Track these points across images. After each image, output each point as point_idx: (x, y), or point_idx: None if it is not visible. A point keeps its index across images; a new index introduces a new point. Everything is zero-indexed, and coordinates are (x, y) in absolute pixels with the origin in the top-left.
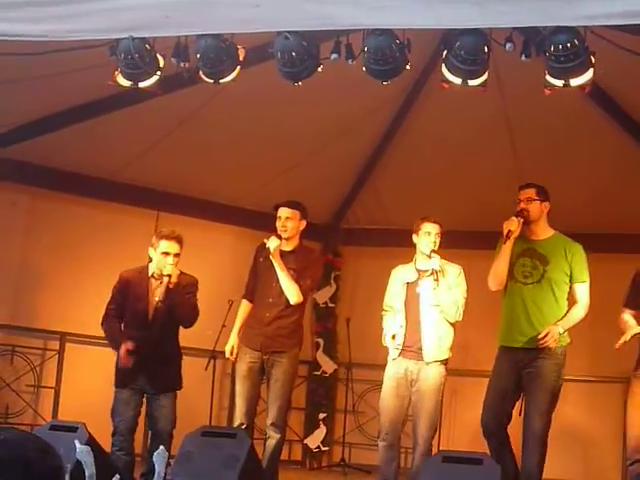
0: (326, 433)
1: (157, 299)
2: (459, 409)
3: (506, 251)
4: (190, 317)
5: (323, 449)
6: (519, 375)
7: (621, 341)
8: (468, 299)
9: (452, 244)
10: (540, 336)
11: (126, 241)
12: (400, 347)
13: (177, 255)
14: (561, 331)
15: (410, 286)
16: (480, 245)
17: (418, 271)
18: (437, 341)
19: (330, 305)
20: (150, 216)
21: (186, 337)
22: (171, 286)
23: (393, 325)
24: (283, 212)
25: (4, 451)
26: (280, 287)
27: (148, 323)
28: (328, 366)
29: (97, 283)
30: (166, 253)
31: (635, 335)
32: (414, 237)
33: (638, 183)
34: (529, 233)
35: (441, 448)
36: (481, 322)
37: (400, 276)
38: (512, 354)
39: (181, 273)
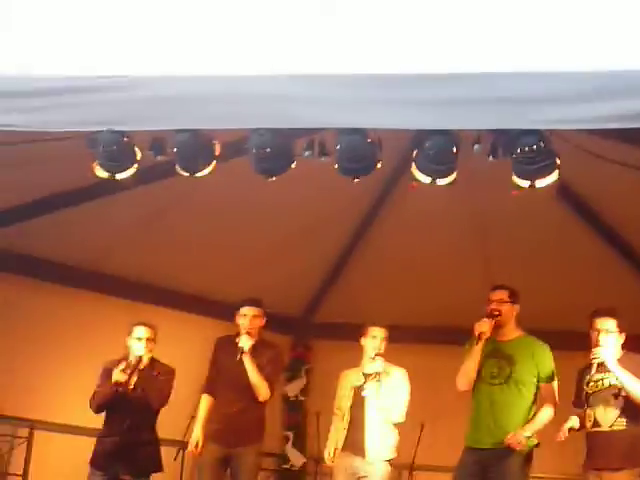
0: None
1: (133, 377)
2: None
3: (476, 352)
4: (160, 401)
5: None
6: (484, 477)
7: (560, 436)
8: (437, 394)
9: (422, 339)
10: (506, 440)
11: (101, 331)
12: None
13: (149, 340)
14: (527, 435)
15: (356, 390)
16: (449, 341)
17: (364, 375)
18: (381, 442)
19: (300, 398)
20: (124, 307)
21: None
22: (141, 367)
23: (336, 435)
24: (250, 311)
25: None
26: (243, 383)
27: (124, 407)
28: (297, 459)
29: (67, 371)
30: (139, 338)
31: (571, 428)
32: (362, 340)
33: (602, 280)
34: (497, 334)
35: None
36: (450, 419)
37: (348, 380)
38: (477, 455)
39: (158, 362)
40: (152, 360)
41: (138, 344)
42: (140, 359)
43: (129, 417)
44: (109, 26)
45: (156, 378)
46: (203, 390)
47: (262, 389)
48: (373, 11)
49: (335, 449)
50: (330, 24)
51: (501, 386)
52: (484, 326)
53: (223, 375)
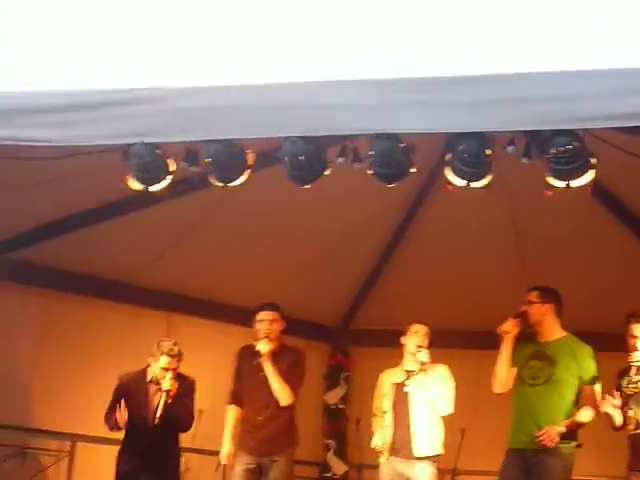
0: None
1: (157, 414)
2: None
3: (503, 353)
4: (186, 426)
5: None
6: (527, 478)
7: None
8: (480, 401)
9: (460, 344)
10: (538, 434)
11: (138, 343)
12: (387, 447)
13: (175, 369)
14: (561, 431)
15: (398, 386)
16: (488, 345)
17: (406, 372)
18: (428, 437)
19: (340, 406)
20: (162, 318)
21: (199, 437)
22: (169, 401)
23: (382, 431)
24: (267, 315)
25: None
26: (268, 389)
27: (149, 428)
28: (339, 468)
29: (108, 385)
30: (165, 369)
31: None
32: (402, 339)
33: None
34: (538, 336)
35: None
36: (494, 424)
37: (388, 378)
38: (519, 455)
39: (179, 376)
40: (176, 382)
41: (165, 375)
42: (168, 394)
43: (153, 440)
44: (137, 38)
45: (180, 402)
46: (228, 401)
47: (284, 394)
48: (402, 14)
49: (383, 444)
50: (360, 29)
51: (541, 387)
52: (507, 325)
53: (247, 384)
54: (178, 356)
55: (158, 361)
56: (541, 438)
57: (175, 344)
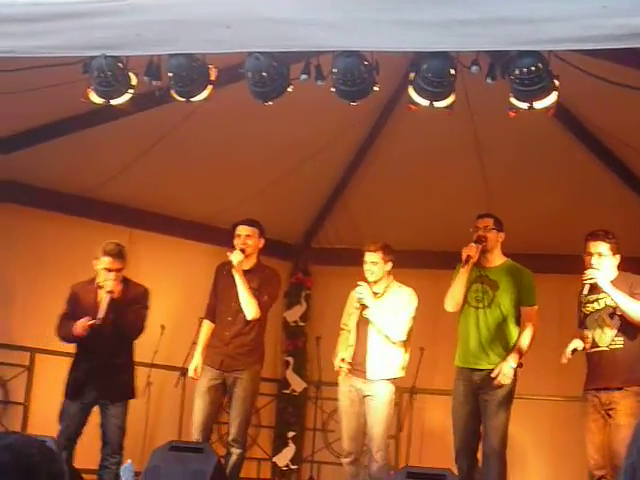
0: (295, 451)
1: (100, 316)
2: (426, 427)
3: (463, 276)
4: (134, 331)
5: (292, 467)
6: (476, 396)
7: (563, 359)
8: (438, 319)
9: (421, 264)
10: (493, 374)
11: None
12: (347, 366)
13: (119, 270)
14: (513, 365)
15: (363, 307)
16: (449, 265)
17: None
18: (382, 360)
19: (300, 324)
20: (124, 234)
21: (161, 352)
22: (115, 297)
23: (344, 347)
24: (243, 230)
25: (9, 456)
26: (238, 305)
27: (97, 333)
28: (298, 384)
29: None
30: (108, 269)
31: (574, 350)
32: None
33: (601, 202)
34: (483, 260)
35: (408, 464)
36: (450, 343)
37: (355, 298)
38: (467, 375)
39: (130, 284)
40: (124, 283)
41: (107, 276)
42: (111, 295)
43: (102, 347)
44: None
45: (131, 306)
46: (203, 315)
47: (250, 306)
48: None
49: (343, 359)
50: None
51: (485, 309)
52: (471, 250)
53: (221, 300)
54: (119, 255)
55: (100, 262)
56: (497, 379)
57: (118, 245)
